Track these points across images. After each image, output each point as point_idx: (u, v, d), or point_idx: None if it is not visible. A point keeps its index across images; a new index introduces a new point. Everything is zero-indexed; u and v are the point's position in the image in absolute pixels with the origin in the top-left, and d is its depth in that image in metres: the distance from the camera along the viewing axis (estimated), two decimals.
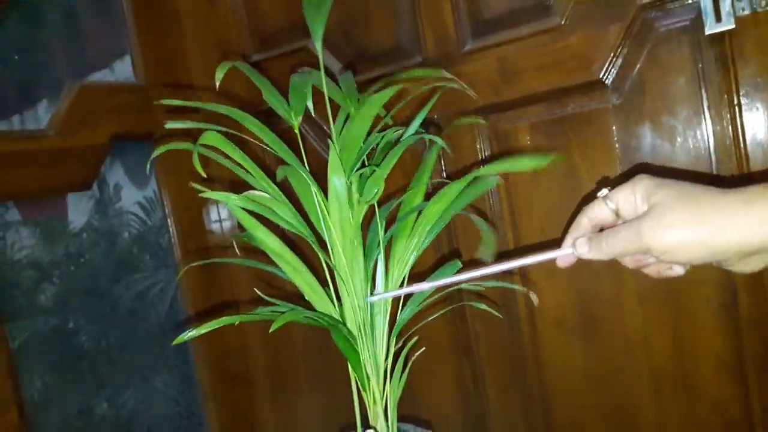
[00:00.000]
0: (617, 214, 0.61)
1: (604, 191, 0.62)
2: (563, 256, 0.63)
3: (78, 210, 1.28)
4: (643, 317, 0.92)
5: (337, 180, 0.67)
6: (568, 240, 0.63)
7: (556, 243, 0.64)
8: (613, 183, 0.61)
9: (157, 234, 1.29)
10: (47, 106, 1.43)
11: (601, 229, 0.64)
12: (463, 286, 0.75)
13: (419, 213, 0.69)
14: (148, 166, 0.80)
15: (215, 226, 1.25)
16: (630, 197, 0.59)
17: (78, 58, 1.38)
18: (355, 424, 0.76)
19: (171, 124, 0.67)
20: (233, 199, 0.66)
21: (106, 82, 1.21)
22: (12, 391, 0.92)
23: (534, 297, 0.70)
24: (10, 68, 1.33)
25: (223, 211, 1.27)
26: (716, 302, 0.87)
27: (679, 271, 0.61)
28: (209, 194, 0.65)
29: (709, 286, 0.87)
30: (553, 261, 0.64)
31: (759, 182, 0.52)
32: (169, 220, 1.19)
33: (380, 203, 0.71)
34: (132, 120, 1.11)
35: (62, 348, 1.13)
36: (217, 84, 0.62)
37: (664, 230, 0.54)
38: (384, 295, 0.70)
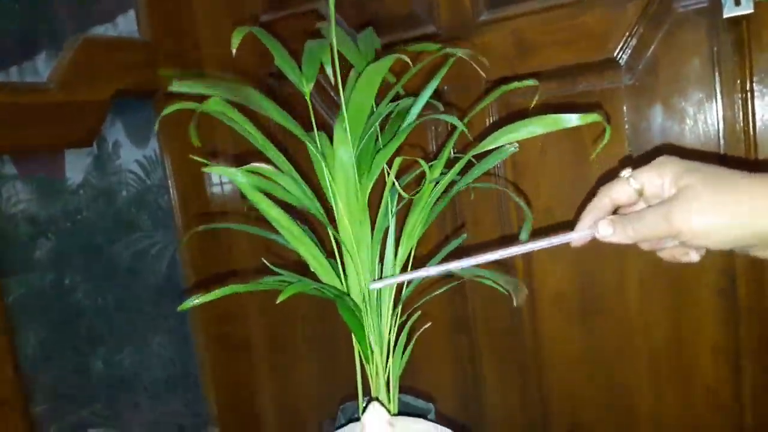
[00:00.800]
0: (641, 194, 0.60)
1: (628, 171, 0.60)
2: (582, 237, 0.61)
3: (76, 167, 1.27)
4: (642, 300, 0.92)
5: (343, 151, 0.66)
6: (587, 220, 0.61)
7: (567, 225, 0.63)
8: (635, 163, 0.61)
9: (156, 194, 1.28)
10: (46, 58, 1.40)
11: (616, 210, 0.63)
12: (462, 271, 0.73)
13: (435, 184, 0.68)
14: (156, 125, 0.79)
15: (216, 189, 1.24)
16: (656, 179, 0.58)
17: (80, 10, 1.36)
18: (356, 394, 0.76)
19: (176, 87, 0.64)
20: (236, 174, 0.64)
21: (109, 37, 1.18)
22: (8, 347, 0.92)
23: (520, 294, 0.68)
24: (10, 18, 1.30)
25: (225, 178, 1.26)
26: (716, 288, 0.88)
27: (694, 257, 0.61)
28: (212, 169, 0.64)
29: (710, 272, 0.88)
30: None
31: None
32: (169, 181, 1.18)
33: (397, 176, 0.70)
34: (135, 77, 1.09)
35: (59, 305, 1.13)
36: (233, 51, 0.61)
37: (695, 215, 0.53)
38: (387, 281, 0.69)
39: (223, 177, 1.26)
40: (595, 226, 0.60)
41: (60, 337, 1.12)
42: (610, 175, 0.63)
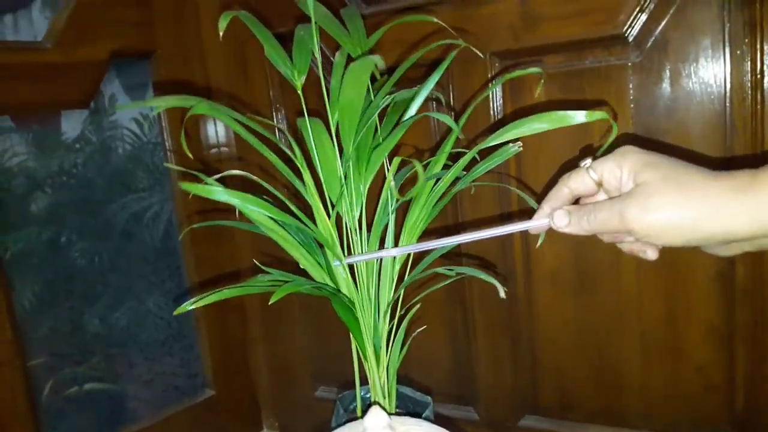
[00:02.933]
0: (600, 185, 0.59)
1: (588, 161, 0.59)
2: (538, 226, 0.61)
3: (71, 120, 1.25)
4: (638, 278, 0.93)
5: (330, 152, 0.64)
6: (545, 209, 0.61)
7: (528, 213, 0.63)
8: (595, 152, 0.60)
9: (152, 152, 1.27)
10: (41, 7, 1.37)
11: (577, 200, 0.62)
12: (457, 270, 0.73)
13: (436, 181, 0.67)
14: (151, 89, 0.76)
15: (213, 151, 1.23)
16: (615, 171, 0.57)
17: None
18: (353, 384, 0.77)
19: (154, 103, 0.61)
20: (220, 193, 0.62)
21: None
22: (6, 306, 0.92)
23: (501, 290, 0.68)
24: None
25: (222, 134, 1.24)
26: (713, 269, 0.88)
27: (651, 255, 0.61)
28: (192, 188, 0.61)
29: (707, 253, 0.87)
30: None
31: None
32: (166, 143, 1.16)
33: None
34: (133, 36, 1.07)
35: (54, 262, 1.13)
36: (221, 34, 0.59)
37: (648, 213, 0.52)
38: (358, 258, 0.69)
39: (220, 138, 1.25)
40: (552, 215, 0.60)
41: (56, 294, 1.12)
42: (571, 164, 0.62)
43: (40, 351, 1.07)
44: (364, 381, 0.77)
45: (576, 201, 0.62)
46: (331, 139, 0.68)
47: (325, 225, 0.68)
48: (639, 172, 0.54)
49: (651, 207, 0.52)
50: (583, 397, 1.01)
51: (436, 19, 0.75)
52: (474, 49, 0.73)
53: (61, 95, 0.98)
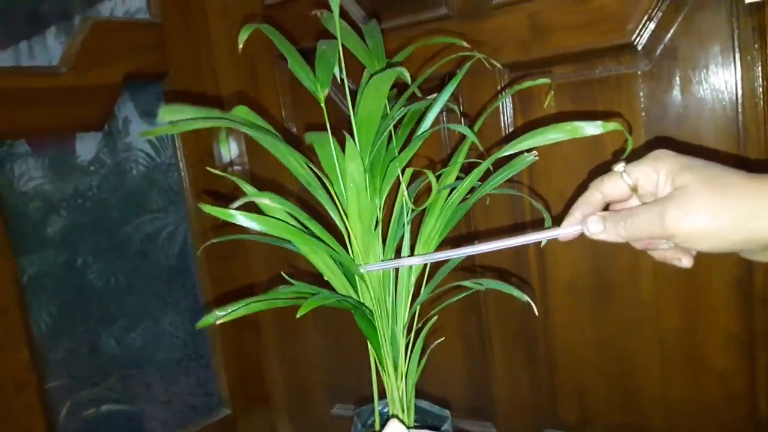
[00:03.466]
0: (634, 190, 0.58)
1: (621, 165, 0.58)
2: (570, 233, 0.60)
3: (86, 143, 1.27)
4: (656, 286, 0.92)
5: (353, 166, 0.65)
6: (577, 215, 0.59)
7: (556, 219, 0.62)
8: (629, 157, 0.59)
9: (166, 173, 1.28)
10: (56, 33, 1.39)
11: (607, 207, 0.61)
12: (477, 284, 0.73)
13: (450, 191, 0.68)
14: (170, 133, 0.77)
15: (227, 170, 1.24)
16: (651, 174, 0.56)
17: None
18: (371, 397, 0.77)
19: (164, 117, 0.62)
20: (235, 217, 0.62)
21: (119, 19, 1.17)
22: (24, 328, 0.93)
23: (533, 306, 0.68)
24: None
25: (236, 153, 1.25)
26: (731, 276, 0.87)
27: (686, 263, 0.60)
28: (210, 210, 0.62)
29: (726, 259, 0.87)
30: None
31: None
32: (180, 163, 1.17)
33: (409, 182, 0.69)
34: (146, 59, 1.08)
35: (71, 285, 1.14)
36: (240, 46, 0.59)
37: (689, 217, 0.51)
38: (378, 265, 0.69)
39: (233, 155, 1.26)
40: (585, 221, 0.58)
41: (73, 316, 1.13)
42: (602, 168, 0.61)
43: (58, 373, 1.07)
44: (382, 395, 0.76)
45: (605, 207, 0.61)
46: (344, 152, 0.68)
47: (358, 240, 0.69)
48: (677, 175, 0.53)
49: (692, 210, 0.51)
50: (603, 409, 1.00)
51: (465, 43, 0.75)
52: (487, 60, 0.73)
53: (76, 118, 0.99)
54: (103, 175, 1.28)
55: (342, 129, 0.68)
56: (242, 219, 0.63)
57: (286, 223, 0.66)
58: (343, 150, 0.64)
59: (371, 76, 0.67)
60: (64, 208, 1.20)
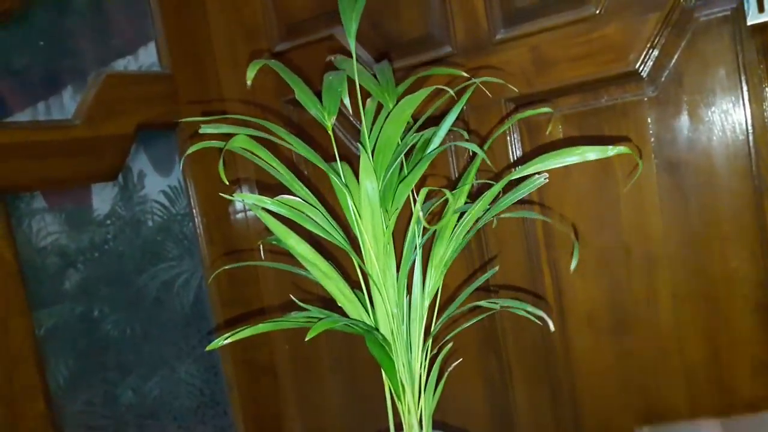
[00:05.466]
0: None
1: None
2: None
3: (102, 197, 1.28)
4: (677, 316, 0.90)
5: (369, 185, 0.66)
6: None
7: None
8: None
9: (181, 223, 1.29)
10: (72, 92, 1.42)
11: None
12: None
13: (461, 215, 0.68)
14: (182, 159, 0.79)
15: (240, 216, 1.25)
16: None
17: (102, 44, 1.38)
18: (387, 428, 0.75)
19: (205, 129, 0.66)
20: (266, 202, 0.64)
21: (131, 72, 1.20)
22: (40, 379, 0.93)
23: (550, 323, 0.68)
24: (36, 55, 1.32)
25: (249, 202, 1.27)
26: (754, 301, 0.85)
27: None
28: (243, 196, 0.64)
29: (747, 284, 0.85)
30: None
31: None
32: (194, 210, 1.18)
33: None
34: (157, 109, 1.10)
35: (87, 336, 1.14)
36: (249, 83, 0.61)
37: None
38: None
39: (246, 205, 1.27)
40: None
41: (89, 367, 1.12)
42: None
43: (76, 424, 1.06)
44: (399, 429, 0.75)
45: None
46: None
47: (373, 266, 0.69)
48: None
49: None
50: None
51: (464, 73, 0.76)
52: (487, 85, 0.74)
53: (90, 169, 1.01)
54: (119, 227, 1.29)
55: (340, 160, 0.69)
56: (273, 207, 0.65)
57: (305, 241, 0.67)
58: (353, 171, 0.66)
59: (380, 106, 0.68)
60: (81, 262, 1.21)
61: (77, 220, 1.24)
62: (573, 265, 0.69)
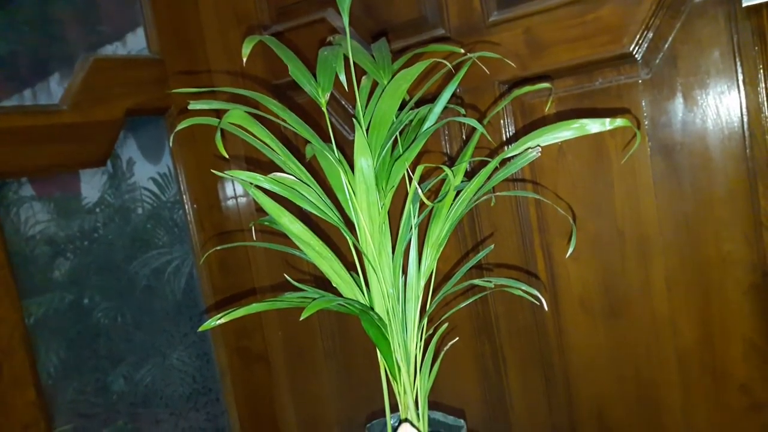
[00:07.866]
0: None
1: None
2: None
3: (91, 185, 1.27)
4: (670, 298, 0.90)
5: (364, 162, 0.65)
6: None
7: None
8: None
9: (171, 210, 1.28)
10: (59, 79, 1.40)
11: None
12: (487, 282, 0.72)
13: (458, 193, 0.67)
14: (171, 138, 0.78)
15: (231, 203, 1.24)
16: None
17: (89, 30, 1.36)
18: (382, 411, 0.75)
19: (194, 105, 0.64)
20: (259, 180, 0.63)
21: (120, 56, 1.18)
22: (30, 368, 0.92)
23: (544, 303, 0.68)
24: (22, 42, 1.30)
25: (239, 187, 1.25)
26: (746, 283, 0.85)
27: None
28: (235, 173, 0.63)
29: (740, 267, 0.85)
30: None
31: None
32: (184, 197, 1.17)
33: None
34: (146, 94, 1.09)
35: (78, 324, 1.13)
36: (244, 60, 0.60)
37: None
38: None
39: (237, 190, 1.26)
40: None
41: (80, 356, 1.11)
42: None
43: (67, 413, 1.05)
44: (394, 409, 0.74)
45: None
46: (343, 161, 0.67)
47: (368, 245, 0.68)
48: None
49: None
50: (624, 427, 0.97)
51: (462, 50, 0.75)
52: (480, 61, 0.73)
53: (78, 155, 0.99)
54: (108, 215, 1.28)
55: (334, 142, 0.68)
56: (267, 185, 0.65)
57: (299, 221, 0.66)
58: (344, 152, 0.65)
59: (375, 85, 0.67)
60: (70, 250, 1.20)
61: (66, 208, 1.23)
62: (570, 250, 0.68)
